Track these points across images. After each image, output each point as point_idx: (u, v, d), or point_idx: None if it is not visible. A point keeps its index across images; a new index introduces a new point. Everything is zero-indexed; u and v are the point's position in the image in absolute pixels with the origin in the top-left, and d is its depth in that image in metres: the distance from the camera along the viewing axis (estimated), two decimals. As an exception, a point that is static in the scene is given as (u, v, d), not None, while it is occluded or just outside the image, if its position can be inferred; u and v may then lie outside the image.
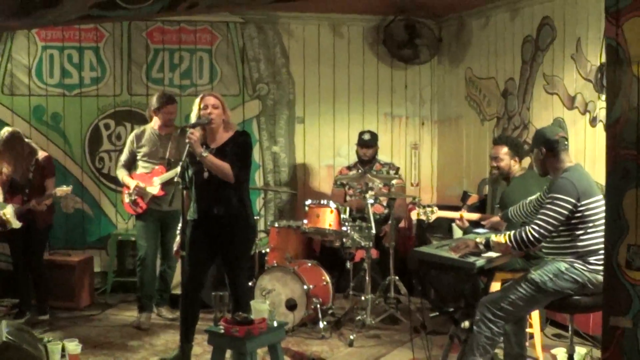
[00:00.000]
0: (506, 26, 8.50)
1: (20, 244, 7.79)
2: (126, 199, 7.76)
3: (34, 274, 7.81)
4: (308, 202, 7.93)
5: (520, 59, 8.23)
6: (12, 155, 7.65)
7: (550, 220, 5.18)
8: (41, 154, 7.87)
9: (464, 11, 9.20)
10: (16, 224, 7.59)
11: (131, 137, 7.87)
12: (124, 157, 7.89)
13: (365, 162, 8.73)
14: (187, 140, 5.86)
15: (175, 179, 5.95)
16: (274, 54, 9.62)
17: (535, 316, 6.23)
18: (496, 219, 6.48)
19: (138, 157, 7.78)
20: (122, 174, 7.80)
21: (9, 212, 7.56)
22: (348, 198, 8.74)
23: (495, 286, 6.24)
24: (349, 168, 8.93)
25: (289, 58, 9.65)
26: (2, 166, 7.72)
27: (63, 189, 7.59)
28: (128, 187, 7.71)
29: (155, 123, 7.74)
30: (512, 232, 5.37)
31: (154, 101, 7.72)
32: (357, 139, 8.85)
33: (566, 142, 5.46)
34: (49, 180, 7.76)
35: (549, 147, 5.40)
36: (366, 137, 8.72)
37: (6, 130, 7.78)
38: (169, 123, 7.69)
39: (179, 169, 5.92)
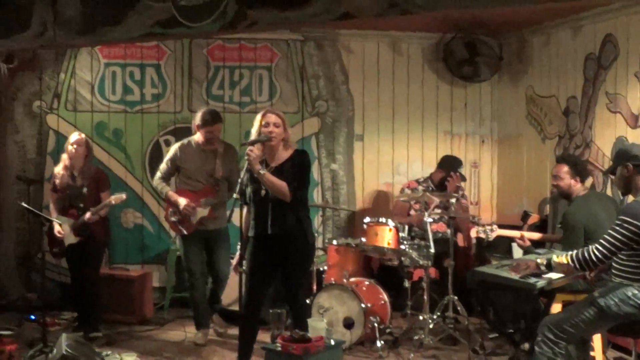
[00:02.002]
0: (568, 44, 8.40)
1: (76, 259, 7.84)
2: (171, 218, 7.67)
3: (89, 290, 7.80)
4: (366, 220, 7.89)
5: (583, 77, 8.12)
6: (76, 153, 7.70)
7: (614, 241, 5.09)
8: (95, 168, 7.97)
9: (525, 29, 9.12)
10: (73, 239, 7.67)
11: (175, 148, 7.75)
12: (164, 167, 7.76)
13: (442, 186, 8.63)
14: (246, 157, 5.86)
15: (235, 196, 5.97)
16: (334, 71, 9.61)
17: (597, 339, 6.10)
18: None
19: (181, 173, 7.69)
20: (166, 188, 7.68)
21: (66, 228, 7.64)
22: (412, 212, 8.66)
23: (556, 307, 6.15)
24: (418, 182, 8.83)
25: (348, 76, 9.64)
26: (57, 176, 7.80)
27: (118, 197, 7.63)
28: (173, 204, 7.61)
29: (199, 137, 7.63)
30: (575, 252, 5.30)
31: (198, 117, 7.60)
32: (447, 164, 8.73)
33: None
34: (104, 194, 7.76)
35: (636, 164, 5.29)
36: (462, 170, 8.66)
37: (79, 134, 7.87)
38: (210, 141, 7.55)
39: (233, 192, 5.92)
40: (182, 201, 7.49)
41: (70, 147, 7.69)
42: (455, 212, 7.99)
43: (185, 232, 7.61)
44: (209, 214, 7.51)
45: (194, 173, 7.61)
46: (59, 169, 7.82)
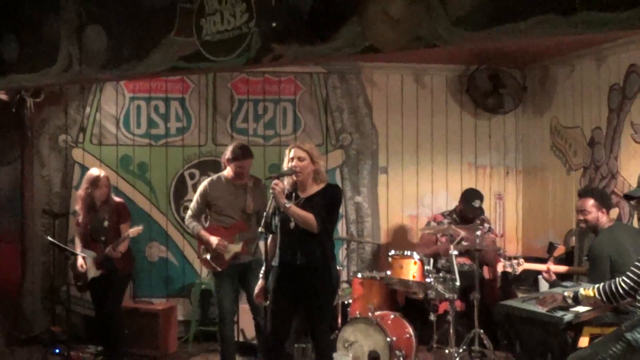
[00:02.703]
0: (592, 74, 8.37)
1: (100, 292, 7.86)
2: (204, 255, 7.53)
3: (111, 323, 7.81)
4: (392, 252, 7.87)
5: (607, 108, 8.08)
6: (100, 194, 7.74)
7: (641, 273, 5.05)
8: (115, 200, 7.98)
9: (548, 60, 9.11)
10: (95, 273, 7.69)
11: (204, 185, 7.65)
12: (195, 205, 7.64)
13: (466, 218, 8.60)
14: (270, 191, 5.88)
15: (259, 229, 5.97)
16: (357, 104, 9.62)
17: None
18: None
19: (212, 209, 7.60)
20: (197, 228, 7.55)
21: (89, 261, 7.67)
22: (439, 244, 8.63)
23: (584, 341, 6.08)
24: (444, 215, 8.81)
25: (372, 108, 9.65)
26: (79, 211, 7.84)
27: (135, 230, 7.66)
28: (205, 244, 7.50)
29: (228, 172, 7.56)
30: (602, 284, 5.26)
31: (228, 151, 7.53)
32: (464, 198, 8.69)
33: None
34: (124, 226, 7.79)
35: None
36: (477, 204, 8.54)
37: (98, 170, 7.91)
38: (240, 176, 7.46)
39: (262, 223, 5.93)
40: (214, 240, 7.38)
41: (100, 190, 7.72)
42: (480, 244, 7.94)
43: (219, 269, 7.48)
44: (242, 249, 7.45)
45: (225, 209, 7.51)
46: (80, 206, 7.86)
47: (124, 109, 9.39)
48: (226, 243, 7.34)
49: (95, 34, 6.45)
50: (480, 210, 8.62)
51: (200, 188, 7.68)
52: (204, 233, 7.51)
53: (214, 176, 7.74)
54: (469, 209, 8.55)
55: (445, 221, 8.51)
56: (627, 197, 6.15)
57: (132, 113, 9.40)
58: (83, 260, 7.69)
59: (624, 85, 7.78)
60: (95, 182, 7.70)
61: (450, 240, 7.72)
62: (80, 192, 7.85)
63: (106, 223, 7.72)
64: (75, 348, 8.27)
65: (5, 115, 8.34)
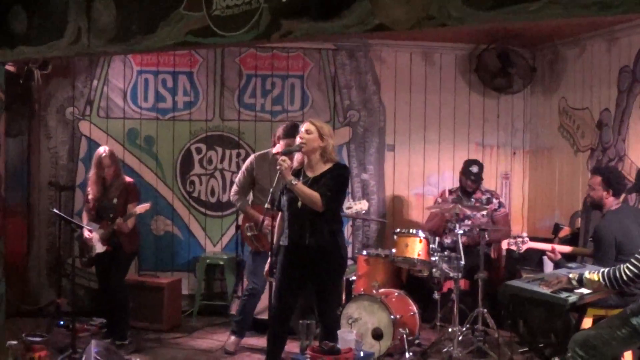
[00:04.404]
0: (602, 56, 8.33)
1: (105, 268, 7.88)
2: (247, 232, 7.56)
3: (115, 297, 7.83)
4: (397, 230, 7.88)
5: (617, 90, 8.04)
6: (107, 174, 7.73)
7: (647, 261, 5.05)
8: (126, 179, 7.96)
9: (559, 40, 9.06)
10: (101, 248, 7.69)
11: (251, 159, 7.66)
12: (240, 178, 7.62)
13: (468, 192, 8.62)
14: (277, 168, 5.88)
15: (266, 206, 5.96)
16: (366, 81, 9.59)
17: (628, 356, 6.04)
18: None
19: (256, 187, 7.54)
20: (244, 205, 7.56)
21: (95, 236, 7.67)
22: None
23: (587, 322, 6.10)
24: (451, 192, 8.81)
25: (380, 85, 9.62)
26: (90, 189, 7.84)
27: (143, 206, 7.67)
28: (252, 220, 7.49)
29: (278, 149, 7.35)
30: (607, 269, 5.25)
31: (280, 129, 7.45)
32: (462, 167, 8.73)
33: None
34: (131, 205, 7.75)
35: None
36: (475, 169, 8.55)
37: (105, 148, 7.89)
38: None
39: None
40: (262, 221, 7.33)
41: (107, 169, 7.70)
42: (487, 223, 7.95)
43: (261, 250, 7.44)
44: None
45: (269, 188, 7.41)
46: (90, 182, 7.85)
47: (131, 83, 9.37)
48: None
49: (104, 7, 6.41)
50: (477, 177, 8.59)
51: (247, 162, 7.67)
52: (253, 212, 7.49)
53: (262, 151, 7.72)
54: (466, 175, 8.56)
55: (450, 198, 8.53)
56: None
57: (140, 86, 9.39)
58: (89, 232, 7.70)
59: (634, 67, 7.75)
60: (99, 163, 7.70)
61: (455, 219, 7.72)
62: (90, 174, 7.84)
63: (115, 200, 7.71)
64: (80, 320, 8.27)
65: (13, 88, 8.31)
